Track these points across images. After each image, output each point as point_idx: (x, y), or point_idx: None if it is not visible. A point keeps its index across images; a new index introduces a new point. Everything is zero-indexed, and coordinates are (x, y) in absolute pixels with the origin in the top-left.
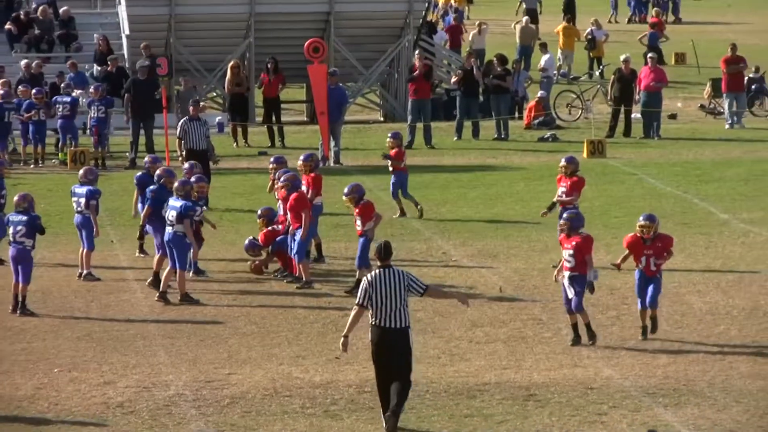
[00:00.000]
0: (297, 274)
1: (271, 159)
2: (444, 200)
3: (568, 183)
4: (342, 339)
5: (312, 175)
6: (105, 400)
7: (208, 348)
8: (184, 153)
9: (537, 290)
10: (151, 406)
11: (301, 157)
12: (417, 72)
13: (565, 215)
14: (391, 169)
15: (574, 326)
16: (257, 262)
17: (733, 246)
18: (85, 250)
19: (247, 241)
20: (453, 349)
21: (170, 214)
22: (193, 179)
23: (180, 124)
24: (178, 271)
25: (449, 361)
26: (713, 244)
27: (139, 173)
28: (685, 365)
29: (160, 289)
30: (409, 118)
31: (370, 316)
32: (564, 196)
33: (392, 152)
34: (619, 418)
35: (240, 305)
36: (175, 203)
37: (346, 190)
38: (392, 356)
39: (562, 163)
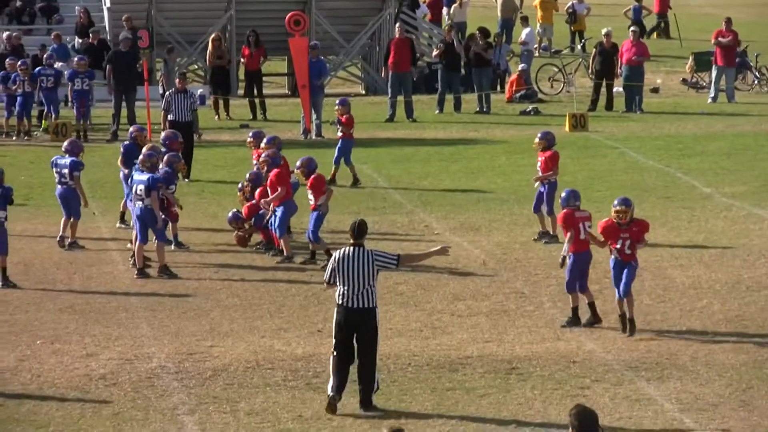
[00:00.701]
0: (279, 248)
1: (250, 134)
2: (426, 173)
3: (543, 158)
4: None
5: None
6: (87, 372)
7: (190, 320)
8: (167, 125)
9: (519, 264)
10: (134, 378)
11: (297, 163)
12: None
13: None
14: (340, 134)
15: (575, 309)
16: (241, 233)
17: (716, 220)
18: (72, 219)
19: (230, 214)
20: (435, 323)
21: (138, 188)
22: (165, 158)
23: (165, 96)
24: (157, 243)
25: (431, 335)
26: (696, 218)
27: (126, 142)
28: (667, 339)
29: (138, 266)
30: (390, 91)
31: (336, 295)
32: (540, 171)
33: (343, 119)
34: (601, 391)
35: (222, 278)
36: (141, 177)
37: (298, 162)
38: (357, 337)
39: (536, 139)
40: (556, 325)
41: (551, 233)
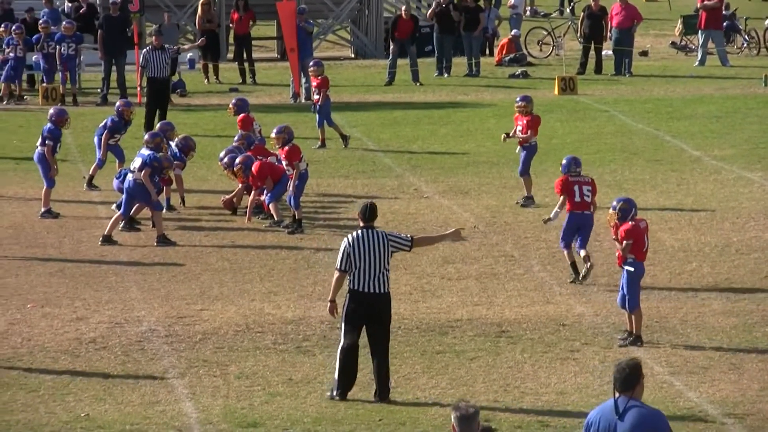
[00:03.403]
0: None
1: (233, 101)
2: (415, 137)
3: (524, 121)
4: (329, 304)
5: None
6: (78, 335)
7: (180, 284)
8: (143, 81)
9: (509, 227)
10: (124, 342)
11: (274, 131)
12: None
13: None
14: (316, 98)
15: (573, 264)
16: (228, 197)
17: (705, 183)
18: (44, 188)
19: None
20: (425, 286)
21: (135, 162)
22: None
23: (143, 53)
24: (154, 212)
25: (421, 298)
26: (685, 181)
27: (113, 117)
28: (657, 302)
29: (105, 233)
30: (390, 56)
31: (349, 281)
32: (521, 134)
33: (318, 80)
34: (591, 354)
35: (212, 242)
36: (143, 152)
37: (275, 129)
38: (370, 324)
39: (518, 102)
40: (546, 288)
41: (528, 195)
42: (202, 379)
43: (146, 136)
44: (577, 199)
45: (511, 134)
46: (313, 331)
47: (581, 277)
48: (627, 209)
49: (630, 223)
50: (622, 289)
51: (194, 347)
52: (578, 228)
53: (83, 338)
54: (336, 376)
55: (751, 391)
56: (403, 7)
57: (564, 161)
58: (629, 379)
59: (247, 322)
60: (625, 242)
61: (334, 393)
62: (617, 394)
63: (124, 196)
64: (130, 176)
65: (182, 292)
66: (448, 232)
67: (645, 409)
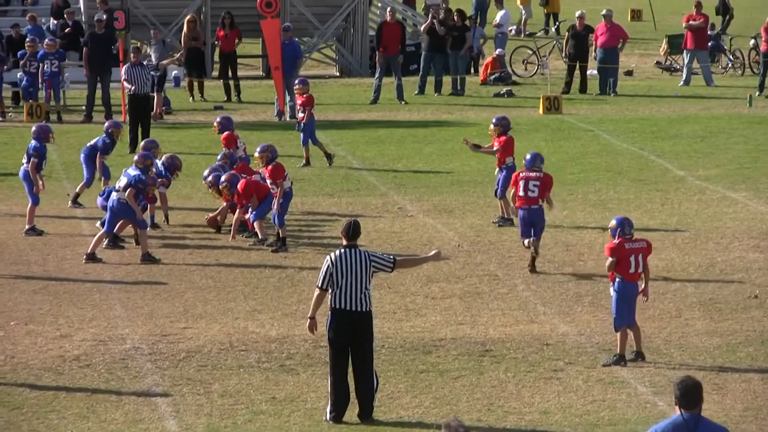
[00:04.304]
0: (253, 230)
1: (217, 119)
2: (400, 155)
3: (498, 142)
4: (308, 321)
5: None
6: (61, 353)
7: (164, 302)
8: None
9: (493, 246)
10: (107, 360)
11: (257, 149)
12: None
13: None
14: (300, 116)
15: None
16: (212, 215)
17: (690, 203)
18: (29, 205)
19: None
20: (409, 305)
21: (121, 181)
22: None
23: (124, 69)
24: (139, 230)
25: (405, 317)
26: (669, 201)
27: (104, 138)
28: (641, 322)
29: (89, 251)
30: (377, 74)
31: (330, 299)
32: (497, 156)
33: (303, 98)
34: (575, 374)
35: (196, 260)
36: (131, 172)
37: (259, 148)
38: (354, 343)
39: (491, 126)
40: (530, 307)
41: (506, 217)
42: (186, 397)
43: (137, 156)
44: (521, 193)
45: (480, 145)
46: (297, 350)
47: (531, 258)
48: (614, 228)
49: (615, 241)
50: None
51: (178, 365)
52: (531, 222)
53: (67, 356)
54: (330, 399)
55: (734, 411)
56: (389, 9)
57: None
58: (699, 395)
59: (231, 340)
60: (608, 260)
61: (329, 416)
62: (682, 411)
63: (108, 214)
64: (114, 195)
65: (166, 310)
66: (431, 254)
67: (716, 424)
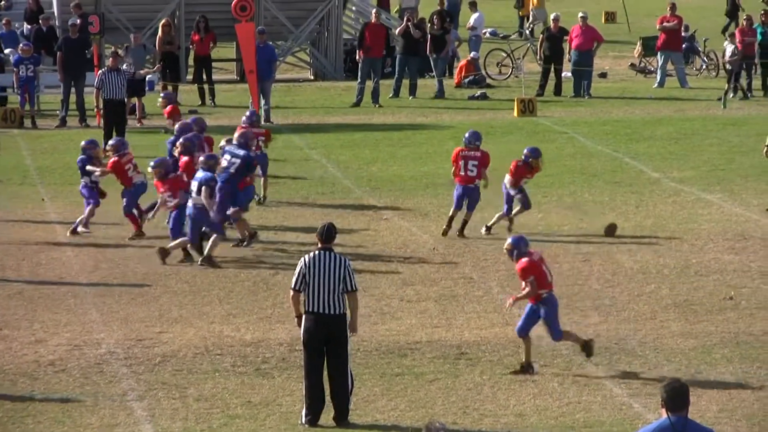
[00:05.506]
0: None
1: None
2: (374, 159)
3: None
4: (296, 320)
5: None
6: (36, 358)
7: (139, 306)
8: (100, 103)
9: (468, 249)
10: (83, 364)
11: (151, 164)
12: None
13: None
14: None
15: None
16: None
17: (664, 205)
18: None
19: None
20: (384, 308)
21: (192, 185)
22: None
23: (99, 74)
24: (215, 236)
25: (380, 320)
26: (644, 203)
27: (81, 157)
28: (616, 324)
29: (205, 254)
30: (360, 76)
31: (304, 302)
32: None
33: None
34: (550, 376)
35: (171, 264)
36: (198, 175)
37: (153, 162)
38: (329, 346)
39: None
40: (505, 310)
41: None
42: (161, 401)
43: (202, 157)
44: (462, 172)
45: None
46: (273, 354)
47: (458, 232)
48: (510, 250)
49: (524, 260)
50: (525, 318)
51: (153, 370)
52: (465, 196)
53: (42, 361)
54: (305, 402)
55: (710, 413)
56: (374, 11)
57: (467, 134)
58: (686, 398)
59: (206, 344)
60: (528, 282)
61: (304, 420)
62: (669, 414)
63: (189, 224)
64: (189, 202)
65: (141, 314)
66: (355, 320)
67: (704, 427)
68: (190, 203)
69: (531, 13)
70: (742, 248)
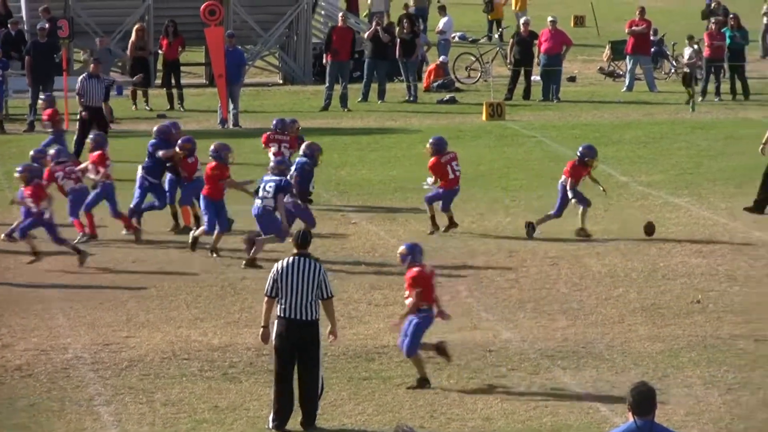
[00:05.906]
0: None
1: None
2: (343, 163)
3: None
4: (261, 330)
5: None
6: (3, 363)
7: (106, 311)
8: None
9: (436, 253)
10: (50, 369)
11: (18, 168)
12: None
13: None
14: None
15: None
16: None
17: (632, 208)
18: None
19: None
20: (351, 312)
21: (267, 185)
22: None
23: (79, 79)
24: (265, 237)
25: (348, 324)
26: (612, 207)
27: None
28: (584, 328)
29: (248, 257)
30: (327, 80)
31: (277, 308)
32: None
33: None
34: (517, 380)
35: (138, 268)
36: (271, 178)
37: (20, 167)
38: (300, 352)
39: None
40: (473, 314)
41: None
42: (128, 406)
43: (271, 163)
44: (451, 176)
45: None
46: (240, 358)
47: (443, 230)
48: (404, 255)
49: (416, 269)
50: (405, 334)
51: (120, 374)
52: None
53: (8, 365)
54: (273, 407)
55: (677, 416)
56: (340, 14)
57: (434, 140)
58: (652, 401)
59: (174, 349)
60: (415, 290)
61: (271, 424)
62: (635, 418)
63: (259, 225)
64: (258, 202)
65: (108, 319)
66: (335, 325)
67: (670, 430)
68: (258, 203)
69: (516, 16)
70: (709, 252)
